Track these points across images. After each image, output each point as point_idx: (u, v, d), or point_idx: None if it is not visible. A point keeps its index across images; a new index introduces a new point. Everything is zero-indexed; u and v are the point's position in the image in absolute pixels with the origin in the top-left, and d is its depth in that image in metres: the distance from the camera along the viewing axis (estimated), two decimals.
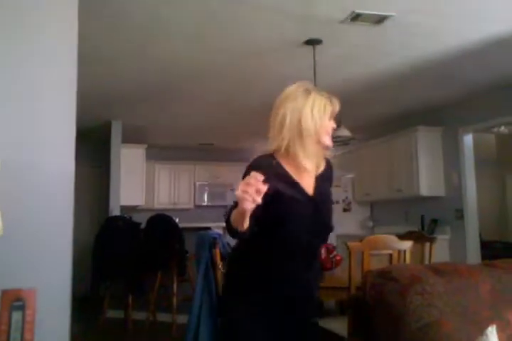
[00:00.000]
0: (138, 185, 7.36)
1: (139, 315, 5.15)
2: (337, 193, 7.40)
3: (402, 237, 2.96)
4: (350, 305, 2.04)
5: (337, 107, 1.74)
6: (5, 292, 1.31)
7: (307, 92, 1.71)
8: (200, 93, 5.41)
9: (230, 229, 1.52)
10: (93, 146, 7.44)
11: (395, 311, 1.60)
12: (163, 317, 5.12)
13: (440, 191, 6.00)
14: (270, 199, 1.44)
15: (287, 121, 1.67)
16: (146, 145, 7.57)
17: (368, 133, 7.20)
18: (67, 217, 2.02)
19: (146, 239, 5.16)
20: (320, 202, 1.74)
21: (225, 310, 1.81)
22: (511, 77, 4.89)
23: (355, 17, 3.43)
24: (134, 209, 7.58)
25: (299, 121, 1.66)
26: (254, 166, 1.62)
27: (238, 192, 1.26)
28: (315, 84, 4.07)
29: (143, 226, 5.33)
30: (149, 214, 5.42)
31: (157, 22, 3.55)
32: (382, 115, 6.62)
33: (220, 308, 1.85)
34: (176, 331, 4.60)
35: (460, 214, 5.73)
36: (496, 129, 6.51)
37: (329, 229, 1.80)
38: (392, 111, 6.41)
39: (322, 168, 1.81)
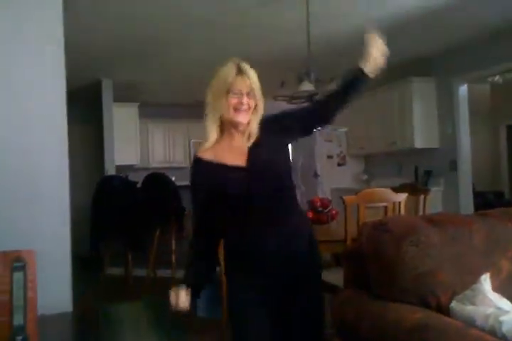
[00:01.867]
0: (132, 144, 7.32)
1: (139, 272, 5.26)
2: (330, 148, 7.40)
3: (396, 190, 2.99)
4: (346, 256, 2.08)
5: (242, 81, 1.73)
6: (4, 253, 1.33)
7: (224, 65, 1.77)
8: (192, 44, 5.27)
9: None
10: (85, 106, 7.33)
11: (391, 261, 1.63)
12: (162, 273, 5.22)
13: (434, 143, 6.01)
14: (204, 190, 1.76)
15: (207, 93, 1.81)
16: (138, 104, 7.47)
17: None
18: (63, 177, 2.02)
19: (143, 197, 5.19)
20: (258, 169, 1.75)
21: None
22: (504, 25, 4.79)
23: None
24: (129, 168, 7.57)
25: (207, 93, 1.79)
26: (193, 176, 1.83)
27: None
28: (308, 36, 3.99)
29: (139, 185, 5.35)
30: (145, 173, 5.43)
31: None
32: None
33: None
34: (177, 285, 4.70)
35: (454, 166, 5.76)
36: (490, 79, 6.45)
37: (280, 188, 1.79)
38: (386, 62, 6.30)
39: (256, 135, 1.80)
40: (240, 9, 4.15)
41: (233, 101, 1.72)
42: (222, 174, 1.76)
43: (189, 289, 1.75)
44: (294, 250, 1.77)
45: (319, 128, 1.93)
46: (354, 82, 1.83)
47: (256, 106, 1.77)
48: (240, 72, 1.74)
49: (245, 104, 1.73)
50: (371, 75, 1.77)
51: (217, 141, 1.80)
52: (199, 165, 1.81)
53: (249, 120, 1.76)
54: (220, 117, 1.76)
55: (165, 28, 4.62)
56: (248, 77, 1.74)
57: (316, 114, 1.89)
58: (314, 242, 1.87)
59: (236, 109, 1.73)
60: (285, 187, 1.81)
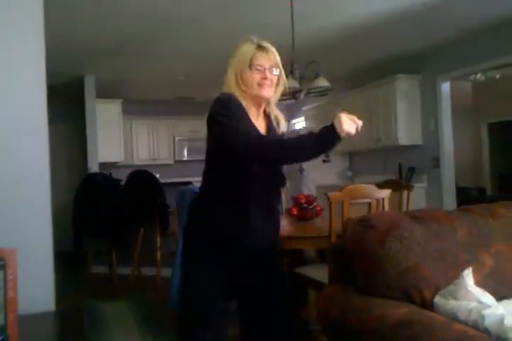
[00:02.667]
0: (115, 141, 7.25)
1: (124, 270, 5.23)
2: None
3: (380, 186, 3.00)
4: (330, 252, 2.08)
5: (268, 58, 1.75)
6: None
7: (242, 43, 1.79)
8: (176, 43, 5.24)
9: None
10: (67, 102, 7.25)
11: (375, 257, 1.63)
12: (147, 271, 5.20)
13: (418, 140, 6.06)
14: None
15: (228, 73, 1.79)
16: (121, 100, 7.40)
17: (347, 83, 7.15)
18: (44, 174, 1.99)
19: (127, 195, 5.15)
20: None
21: (184, 255, 1.88)
22: (486, 23, 4.84)
23: None
24: (113, 165, 7.51)
25: (228, 73, 1.79)
26: (234, 101, 1.73)
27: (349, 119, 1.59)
28: (292, 33, 3.98)
29: (123, 182, 5.31)
30: (129, 171, 5.39)
31: None
32: (360, 64, 6.55)
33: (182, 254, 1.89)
34: (161, 284, 4.69)
35: (437, 163, 5.82)
36: (472, 77, 6.52)
37: (282, 167, 1.89)
38: (370, 60, 6.34)
39: (280, 119, 1.89)
40: (224, 6, 4.13)
41: (256, 76, 1.73)
42: (250, 128, 1.74)
43: None
44: (270, 244, 1.87)
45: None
46: (327, 148, 1.74)
47: (278, 81, 1.79)
48: (261, 47, 1.75)
49: (269, 78, 1.74)
50: (339, 140, 1.69)
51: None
52: (238, 103, 1.75)
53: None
54: (243, 91, 1.76)
55: (148, 24, 4.58)
56: (269, 52, 1.75)
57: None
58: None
59: (260, 84, 1.73)
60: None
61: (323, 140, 1.65)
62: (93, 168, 6.43)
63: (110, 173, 6.24)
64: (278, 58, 1.78)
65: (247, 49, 1.74)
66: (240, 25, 4.63)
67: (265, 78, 1.73)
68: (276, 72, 1.77)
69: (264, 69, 1.73)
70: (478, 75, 6.52)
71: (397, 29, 4.98)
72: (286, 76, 3.86)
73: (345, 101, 7.01)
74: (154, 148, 8.48)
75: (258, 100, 1.78)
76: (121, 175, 5.60)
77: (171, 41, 5.16)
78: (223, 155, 1.75)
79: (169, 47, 5.37)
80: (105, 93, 6.92)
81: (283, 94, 4.07)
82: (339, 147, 7.16)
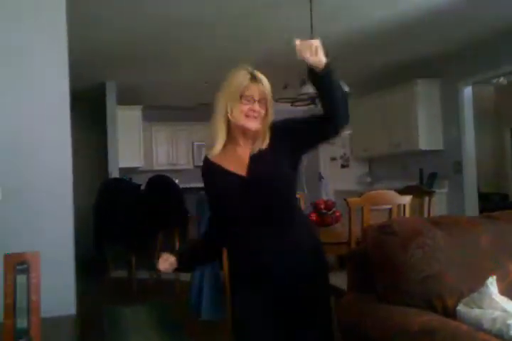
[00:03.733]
0: (135, 146, 7.32)
1: (143, 274, 5.25)
2: (334, 150, 7.39)
3: (400, 192, 2.97)
4: (350, 259, 2.06)
5: (259, 90, 1.72)
6: (8, 255, 1.32)
7: (236, 71, 1.76)
8: (197, 50, 5.28)
9: None
10: (88, 108, 7.34)
11: (396, 264, 1.61)
12: (166, 275, 5.21)
13: (439, 144, 5.99)
14: (210, 191, 1.82)
15: (218, 99, 1.78)
16: (141, 106, 7.48)
17: (366, 87, 7.11)
18: (67, 179, 2.02)
19: (146, 200, 5.19)
20: (256, 180, 1.73)
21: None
22: (508, 26, 4.77)
23: None
24: (133, 170, 7.57)
25: (218, 99, 1.77)
26: (202, 175, 1.86)
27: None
28: (311, 37, 3.97)
29: (143, 187, 5.35)
30: (149, 176, 5.42)
31: None
32: (379, 68, 6.51)
33: None
34: (180, 288, 4.70)
35: (458, 168, 5.74)
36: (495, 80, 6.43)
37: (279, 199, 1.76)
38: (389, 64, 6.30)
39: (265, 141, 1.78)
40: (243, 11, 4.15)
41: (245, 107, 1.72)
42: (221, 179, 1.77)
43: (178, 256, 1.81)
44: (296, 262, 1.72)
45: (333, 132, 1.84)
46: (318, 85, 1.73)
47: (266, 113, 1.76)
48: (254, 78, 1.73)
49: (257, 111, 1.72)
50: (319, 69, 1.66)
51: (224, 145, 1.78)
52: (206, 165, 1.83)
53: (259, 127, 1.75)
54: (229, 121, 1.75)
55: (168, 31, 4.62)
56: (262, 84, 1.73)
57: (323, 118, 1.76)
58: (321, 255, 1.82)
59: (247, 116, 1.72)
60: (284, 198, 1.78)
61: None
62: (114, 172, 6.49)
63: (130, 178, 6.30)
64: (269, 90, 1.75)
65: (241, 79, 1.73)
66: (260, 29, 4.65)
67: (253, 110, 1.72)
68: (263, 103, 1.74)
69: (254, 100, 1.72)
70: (501, 79, 6.42)
71: (417, 32, 4.94)
72: (304, 82, 3.89)
73: (363, 105, 6.98)
74: (173, 153, 8.54)
75: (243, 131, 1.76)
76: (141, 180, 5.64)
77: (193, 47, 5.20)
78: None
79: (191, 53, 5.41)
80: (126, 99, 6.99)
81: (302, 100, 4.09)
82: (358, 152, 7.06)
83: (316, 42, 1.66)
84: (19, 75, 1.97)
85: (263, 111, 1.74)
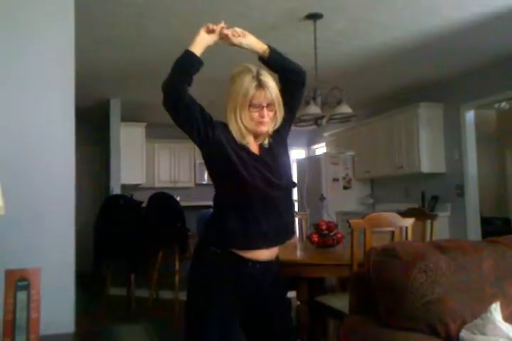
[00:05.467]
0: (138, 163, 7.35)
1: (142, 293, 5.21)
2: (336, 171, 7.40)
3: (403, 214, 2.96)
4: (352, 281, 2.05)
5: (265, 95, 1.77)
6: (9, 272, 1.31)
7: (238, 79, 1.83)
8: (200, 71, 5.33)
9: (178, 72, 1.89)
10: (92, 125, 7.39)
11: (399, 288, 1.60)
12: (165, 294, 5.17)
13: (441, 168, 6.00)
14: (221, 150, 1.77)
15: (227, 103, 1.84)
16: (145, 124, 7.52)
17: (369, 109, 7.15)
18: (69, 196, 2.02)
19: (147, 217, 5.18)
20: (266, 163, 1.81)
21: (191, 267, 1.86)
22: (510, 51, 4.82)
23: None
24: (134, 187, 7.58)
25: (227, 103, 1.84)
26: (217, 121, 1.84)
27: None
28: (315, 60, 4.02)
29: (144, 204, 5.34)
30: (150, 193, 5.42)
31: (154, 1, 3.48)
32: (382, 91, 6.56)
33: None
34: (179, 308, 4.65)
35: (460, 191, 5.73)
36: (497, 105, 6.47)
37: (286, 180, 1.85)
38: (393, 87, 6.35)
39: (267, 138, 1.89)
40: (248, 31, 4.20)
41: (255, 115, 1.77)
42: (237, 149, 1.78)
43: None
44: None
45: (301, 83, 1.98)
46: (272, 67, 1.96)
47: (275, 114, 1.82)
48: (260, 85, 1.77)
49: (266, 116, 1.77)
50: (260, 50, 1.97)
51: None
52: (224, 126, 1.82)
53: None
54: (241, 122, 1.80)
55: (171, 50, 4.65)
56: (268, 90, 1.78)
57: (285, 81, 1.95)
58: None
59: (258, 122, 1.78)
60: (290, 185, 1.88)
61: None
62: (115, 189, 6.49)
63: (131, 195, 6.29)
64: (276, 93, 1.79)
65: (248, 86, 1.76)
66: None
67: (263, 116, 1.77)
68: (272, 107, 1.80)
69: (262, 107, 1.77)
70: (503, 104, 6.46)
71: (420, 57, 4.99)
72: (308, 102, 3.92)
73: (366, 127, 7.01)
74: (175, 170, 8.55)
75: (255, 134, 1.83)
76: (143, 197, 5.64)
77: None
78: (213, 176, 1.89)
79: None
80: (130, 116, 7.03)
81: (305, 120, 4.11)
82: (360, 174, 7.07)
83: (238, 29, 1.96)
84: (24, 94, 1.99)
85: (272, 114, 1.81)
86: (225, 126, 1.82)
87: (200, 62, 1.91)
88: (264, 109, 1.77)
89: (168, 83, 1.85)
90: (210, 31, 1.97)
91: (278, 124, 1.85)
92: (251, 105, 1.76)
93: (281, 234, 1.84)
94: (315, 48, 3.98)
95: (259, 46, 1.98)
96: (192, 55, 1.90)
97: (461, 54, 4.91)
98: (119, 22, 3.90)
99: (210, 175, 1.92)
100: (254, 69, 1.82)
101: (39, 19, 2.02)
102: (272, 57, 1.95)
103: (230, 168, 1.75)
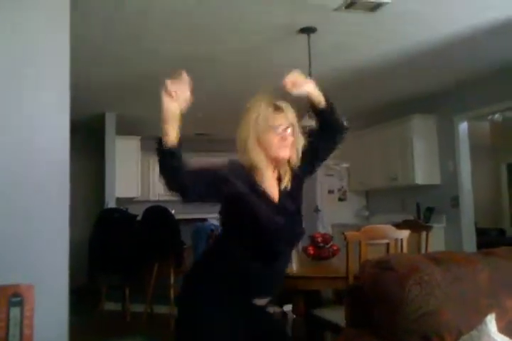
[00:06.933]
0: (133, 176, 7.33)
1: (137, 307, 5.16)
2: (331, 183, 7.41)
3: (398, 226, 2.97)
4: (347, 294, 2.04)
5: (286, 118, 1.75)
6: (2, 287, 1.30)
7: (254, 107, 1.77)
8: (194, 80, 5.35)
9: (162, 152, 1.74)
10: (87, 138, 7.38)
11: (394, 301, 1.59)
12: (160, 309, 5.12)
13: (435, 179, 6.02)
14: (237, 200, 1.68)
15: (243, 130, 1.77)
16: (140, 137, 7.52)
17: (363, 122, 7.19)
18: (63, 211, 2.01)
19: (142, 230, 5.15)
20: (286, 210, 1.76)
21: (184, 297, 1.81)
22: (504, 63, 4.88)
23: (350, 4, 3.41)
24: (129, 201, 7.55)
25: (241, 137, 1.76)
26: (229, 165, 1.75)
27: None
28: (309, 73, 4.05)
29: (139, 218, 5.32)
30: (145, 206, 5.40)
31: (149, 13, 3.51)
32: (376, 103, 6.61)
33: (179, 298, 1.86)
34: (174, 323, 4.60)
35: (455, 203, 5.74)
36: (490, 117, 6.52)
37: (298, 236, 1.84)
38: (386, 100, 6.40)
39: (288, 178, 1.82)
40: (243, 47, 4.24)
41: (276, 138, 1.73)
42: (257, 193, 1.72)
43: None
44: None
45: (331, 147, 1.93)
46: (321, 119, 1.89)
47: (295, 140, 1.78)
48: (278, 108, 1.75)
49: (288, 140, 1.74)
50: (316, 100, 1.83)
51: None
52: (243, 170, 1.75)
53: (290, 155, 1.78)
54: (260, 153, 1.74)
55: (167, 65, 4.70)
56: (287, 112, 1.76)
57: (320, 133, 1.89)
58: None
59: (281, 145, 1.74)
60: (300, 234, 1.86)
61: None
62: (110, 203, 6.46)
63: (126, 209, 6.27)
64: (294, 117, 1.78)
65: (265, 110, 1.74)
66: (260, 65, 4.74)
67: (284, 139, 1.74)
68: (292, 131, 1.77)
69: (283, 130, 1.74)
70: (496, 115, 6.51)
71: (414, 69, 5.04)
72: (304, 114, 3.93)
73: (360, 139, 7.04)
74: None
75: (277, 161, 1.77)
76: (138, 211, 5.62)
77: (191, 80, 5.26)
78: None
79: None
80: (125, 130, 7.03)
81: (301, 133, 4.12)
82: (355, 185, 7.06)
83: (300, 77, 1.77)
84: (19, 108, 1.99)
85: (292, 139, 1.77)
86: (236, 170, 1.74)
87: (174, 153, 1.75)
88: (285, 132, 1.74)
89: (164, 181, 1.75)
90: (172, 96, 1.74)
91: (299, 155, 1.79)
92: (271, 127, 1.73)
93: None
94: (309, 61, 4.01)
95: (317, 95, 1.85)
96: (162, 151, 1.76)
97: (453, 66, 4.96)
98: (115, 36, 3.93)
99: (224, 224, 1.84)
100: (267, 97, 1.79)
101: (34, 33, 2.03)
102: (325, 111, 1.86)
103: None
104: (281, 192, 1.78)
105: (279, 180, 1.81)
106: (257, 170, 1.75)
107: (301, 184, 1.87)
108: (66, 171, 2.04)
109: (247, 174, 1.74)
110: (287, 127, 1.75)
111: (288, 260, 1.89)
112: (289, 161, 1.80)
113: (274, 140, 1.73)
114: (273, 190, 1.78)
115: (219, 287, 1.71)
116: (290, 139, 1.75)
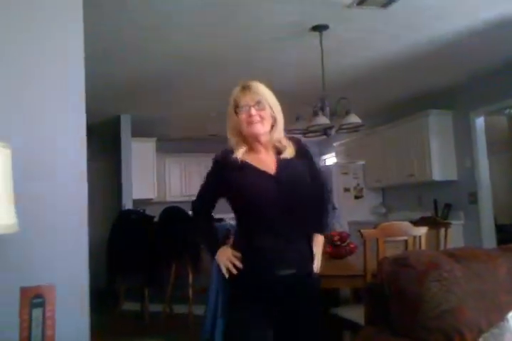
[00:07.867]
0: (149, 178, 7.38)
1: (156, 307, 5.19)
2: (347, 180, 7.38)
3: (415, 223, 2.94)
4: (366, 292, 2.03)
5: (251, 96, 1.80)
6: (24, 289, 1.32)
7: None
8: (206, 80, 5.37)
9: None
10: (103, 141, 7.45)
11: (413, 298, 1.59)
12: (179, 308, 5.15)
13: (453, 175, 5.95)
14: (235, 186, 1.79)
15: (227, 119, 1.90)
16: (155, 139, 7.58)
17: (378, 118, 7.14)
18: (82, 212, 2.03)
19: (159, 231, 5.19)
20: (285, 181, 1.79)
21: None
22: None
23: (362, 0, 3.39)
24: (146, 202, 7.60)
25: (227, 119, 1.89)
26: (214, 161, 1.92)
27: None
28: (322, 70, 4.04)
29: (156, 219, 5.35)
30: (162, 207, 5.44)
31: (160, 14, 3.53)
32: (391, 100, 6.56)
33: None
34: (193, 322, 4.63)
35: (474, 198, 5.68)
36: (507, 111, 6.43)
37: (301, 206, 1.81)
38: (401, 96, 6.35)
39: (289, 150, 1.87)
40: (253, 45, 4.24)
41: (243, 115, 1.79)
42: (250, 175, 1.79)
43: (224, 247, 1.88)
44: (298, 275, 1.79)
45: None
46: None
47: (274, 117, 1.82)
48: (244, 88, 1.82)
49: (255, 115, 1.77)
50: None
51: (247, 153, 1.85)
52: (227, 158, 1.83)
53: (269, 131, 1.82)
54: (241, 134, 1.83)
55: (180, 66, 4.73)
56: (251, 90, 1.80)
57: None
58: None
59: (249, 123, 1.78)
60: (310, 204, 1.85)
61: (206, 247, 2.07)
62: (127, 204, 6.52)
63: (144, 210, 6.31)
64: (263, 93, 1.82)
65: (234, 92, 1.84)
66: (271, 62, 4.73)
67: (250, 115, 1.77)
68: (261, 106, 1.80)
69: (249, 106, 1.78)
70: None
71: (429, 64, 4.99)
72: (317, 113, 3.93)
73: (376, 136, 7.00)
74: (187, 184, 8.57)
75: (256, 138, 1.82)
76: (154, 212, 5.66)
77: (201, 80, 5.29)
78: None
79: (200, 85, 5.50)
80: (140, 132, 7.09)
81: (314, 131, 4.11)
82: (371, 183, 7.01)
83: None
84: (36, 109, 2.02)
85: (265, 114, 1.80)
86: (226, 157, 1.85)
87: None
88: (252, 108, 1.78)
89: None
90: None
91: (281, 130, 1.85)
92: (238, 107, 1.80)
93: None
94: (322, 59, 4.00)
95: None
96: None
97: (467, 60, 4.90)
98: (129, 38, 3.96)
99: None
100: (244, 81, 1.88)
101: (45, 35, 2.05)
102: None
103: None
104: (279, 163, 1.83)
105: (279, 153, 1.86)
106: (237, 150, 1.83)
107: (307, 154, 1.96)
108: (84, 173, 2.06)
109: (237, 160, 1.82)
110: (256, 103, 1.79)
111: (301, 232, 1.85)
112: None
113: (243, 119, 1.79)
114: (268, 163, 1.83)
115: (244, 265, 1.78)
116: (260, 114, 1.79)
